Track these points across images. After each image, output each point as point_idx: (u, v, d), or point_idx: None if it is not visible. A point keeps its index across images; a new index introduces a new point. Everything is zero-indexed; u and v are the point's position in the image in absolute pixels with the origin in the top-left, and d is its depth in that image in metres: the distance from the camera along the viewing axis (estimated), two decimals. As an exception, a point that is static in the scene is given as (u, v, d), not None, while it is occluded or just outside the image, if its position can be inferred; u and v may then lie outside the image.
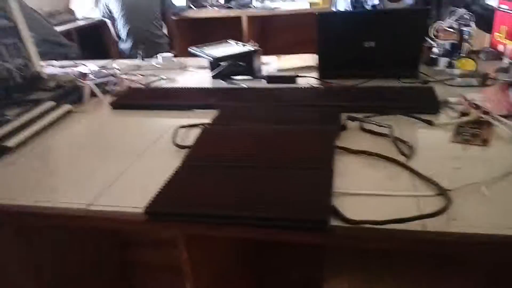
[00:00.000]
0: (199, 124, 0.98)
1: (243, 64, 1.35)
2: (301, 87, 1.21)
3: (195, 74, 1.52)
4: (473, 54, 1.37)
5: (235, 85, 1.32)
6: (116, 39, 2.94)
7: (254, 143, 0.83)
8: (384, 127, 0.88)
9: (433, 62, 1.34)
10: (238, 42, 1.51)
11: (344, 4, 1.74)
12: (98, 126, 1.08)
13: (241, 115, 0.99)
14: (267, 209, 0.62)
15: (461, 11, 1.32)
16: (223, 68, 1.35)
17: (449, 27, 1.29)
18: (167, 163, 0.81)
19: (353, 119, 0.95)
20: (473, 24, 1.29)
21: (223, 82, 1.36)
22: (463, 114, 0.93)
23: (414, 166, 0.76)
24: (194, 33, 3.46)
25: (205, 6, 3.32)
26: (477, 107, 0.93)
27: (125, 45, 2.84)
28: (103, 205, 0.71)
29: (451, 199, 0.64)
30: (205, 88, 1.26)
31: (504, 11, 1.32)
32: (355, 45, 1.20)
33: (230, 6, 3.15)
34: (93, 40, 3.35)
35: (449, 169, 0.75)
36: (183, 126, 0.98)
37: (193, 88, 1.26)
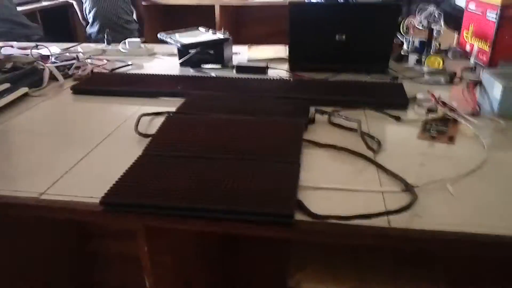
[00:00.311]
0: (164, 112, 0.95)
1: (213, 52, 1.32)
2: (271, 78, 1.18)
3: (163, 61, 1.47)
4: (441, 52, 1.39)
5: (203, 73, 1.28)
6: (83, 22, 2.83)
7: (219, 133, 0.80)
8: (353, 121, 0.87)
9: (402, 58, 1.35)
10: (209, 29, 1.47)
11: None
12: (56, 111, 1.02)
13: (208, 104, 0.96)
14: (230, 201, 0.59)
15: (431, 9, 1.33)
16: (192, 55, 1.31)
17: (419, 24, 1.30)
18: (128, 152, 0.77)
19: (321, 112, 0.93)
20: (442, 23, 1.30)
21: (192, 70, 1.32)
22: (430, 111, 0.94)
23: (381, 162, 0.75)
24: (165, 20, 3.38)
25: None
26: (444, 104, 0.94)
27: (92, 29, 2.74)
28: (56, 194, 0.66)
29: (416, 196, 0.64)
30: (172, 75, 1.21)
31: (471, 12, 1.34)
32: (327, 38, 1.19)
33: (203, -6, 3.08)
34: (59, 22, 3.22)
35: (415, 166, 0.75)
36: (147, 114, 0.94)
37: (160, 75, 1.21)
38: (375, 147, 0.80)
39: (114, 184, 0.64)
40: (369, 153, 0.78)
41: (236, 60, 1.43)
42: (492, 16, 1.21)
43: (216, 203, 0.59)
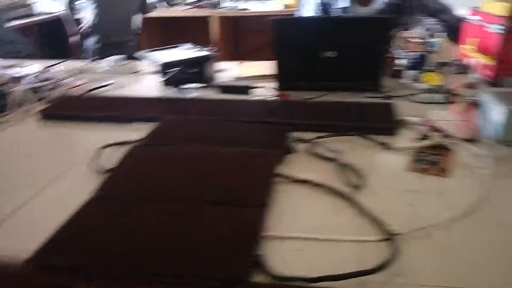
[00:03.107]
0: (129, 142, 0.87)
1: (195, 70, 1.24)
2: (255, 100, 1.10)
3: (147, 80, 1.40)
4: (441, 67, 1.29)
5: (185, 93, 1.20)
6: (78, 37, 2.77)
7: (181, 170, 0.72)
8: (334, 151, 0.78)
9: (398, 74, 1.25)
10: (196, 46, 1.39)
11: (312, 8, 1.64)
12: (15, 141, 0.94)
13: (177, 133, 0.88)
14: (175, 262, 0.51)
15: (430, 20, 1.23)
16: (173, 74, 1.23)
17: (416, 37, 1.20)
18: (81, 192, 0.69)
19: (302, 140, 0.85)
20: (442, 35, 1.21)
21: (174, 89, 1.25)
22: (424, 137, 0.84)
23: (363, 200, 0.66)
24: (162, 33, 3.33)
25: (177, 4, 3.18)
26: (437, 130, 0.84)
27: (88, 43, 2.68)
28: (-14, 246, 0.59)
29: (398, 248, 0.55)
30: (148, 98, 1.14)
31: (474, 23, 1.24)
32: (315, 54, 1.10)
33: (201, 5, 3.02)
34: (55, 35, 3.18)
35: (401, 206, 0.65)
36: (108, 145, 0.86)
37: (136, 97, 1.14)
38: (358, 181, 0.71)
39: (49, 239, 0.56)
40: (351, 190, 0.69)
41: (224, 78, 1.36)
42: (497, 28, 1.11)
43: (158, 265, 0.51)
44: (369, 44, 1.06)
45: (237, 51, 3.17)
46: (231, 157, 0.75)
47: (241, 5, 3.05)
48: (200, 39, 3.13)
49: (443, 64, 1.32)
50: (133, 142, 0.85)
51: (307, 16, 1.25)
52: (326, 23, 1.11)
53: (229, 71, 1.42)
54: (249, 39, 3.25)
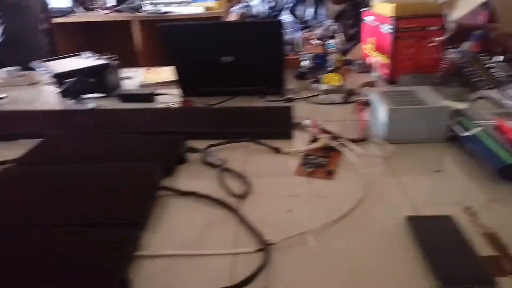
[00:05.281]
0: (3, 162, 0.79)
1: (94, 80, 1.18)
2: (155, 108, 1.06)
3: (44, 92, 1.31)
4: (346, 66, 1.33)
5: (83, 105, 1.14)
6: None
7: (50, 193, 0.66)
8: (223, 160, 0.77)
9: (303, 76, 1.27)
10: (96, 54, 1.33)
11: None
12: None
13: (60, 150, 0.82)
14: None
15: (328, 22, 1.26)
16: (69, 85, 1.16)
17: (315, 39, 1.22)
18: None
19: (194, 150, 0.82)
20: (340, 36, 1.24)
21: (72, 101, 1.18)
22: (314, 139, 0.85)
23: (246, 209, 0.65)
24: (81, 39, 3.17)
25: (93, 9, 3.05)
26: (325, 131, 0.85)
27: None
28: None
29: (267, 260, 0.53)
30: (40, 111, 1.06)
31: (370, 23, 1.28)
32: (212, 60, 1.08)
33: (119, 9, 2.91)
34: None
35: (281, 213, 0.65)
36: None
37: (26, 111, 1.06)
38: (244, 190, 0.70)
39: None
40: (235, 199, 0.68)
41: (128, 85, 1.30)
42: (387, 28, 1.15)
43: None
44: (263, 48, 1.06)
45: (159, 56, 3.09)
46: (110, 175, 0.71)
47: (163, 8, 2.98)
48: (123, 44, 3.03)
49: (348, 63, 1.36)
50: (7, 162, 0.78)
51: (197, 22, 1.24)
52: (216, 29, 1.09)
53: (134, 78, 1.37)
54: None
